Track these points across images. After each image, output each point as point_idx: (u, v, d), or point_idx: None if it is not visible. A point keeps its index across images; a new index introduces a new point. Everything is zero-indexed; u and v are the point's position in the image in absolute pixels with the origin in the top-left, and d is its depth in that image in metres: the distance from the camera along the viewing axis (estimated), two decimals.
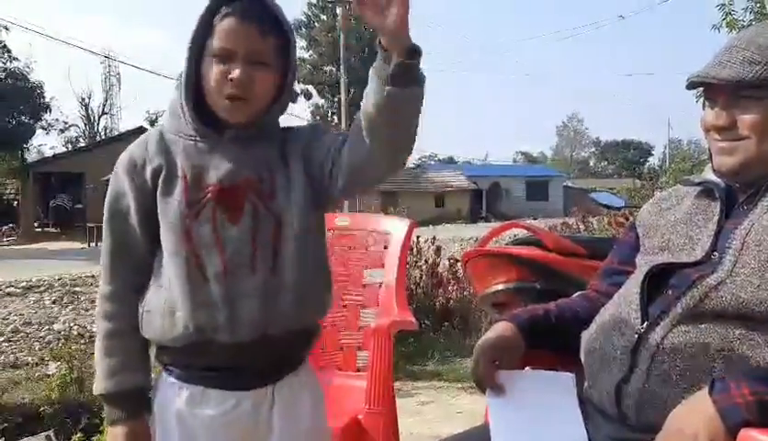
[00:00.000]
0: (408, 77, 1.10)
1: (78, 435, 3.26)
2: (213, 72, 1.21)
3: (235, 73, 1.20)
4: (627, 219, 6.10)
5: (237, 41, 1.20)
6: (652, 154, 64.21)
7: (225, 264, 1.20)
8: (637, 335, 1.17)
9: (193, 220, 1.21)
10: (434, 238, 6.01)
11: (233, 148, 1.25)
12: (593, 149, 72.46)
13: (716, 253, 1.18)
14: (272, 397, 1.26)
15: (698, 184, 1.31)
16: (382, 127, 1.14)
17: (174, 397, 1.25)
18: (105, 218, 1.28)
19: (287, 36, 1.25)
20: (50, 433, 3.28)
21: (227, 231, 1.21)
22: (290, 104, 1.35)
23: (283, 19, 1.25)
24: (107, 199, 1.28)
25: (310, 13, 37.07)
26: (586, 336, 1.31)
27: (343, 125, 25.14)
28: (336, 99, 31.84)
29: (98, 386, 1.26)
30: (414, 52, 1.10)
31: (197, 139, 1.25)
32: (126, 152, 1.30)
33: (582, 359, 1.30)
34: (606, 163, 69.39)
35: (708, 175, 1.30)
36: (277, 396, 1.27)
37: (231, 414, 1.23)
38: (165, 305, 1.22)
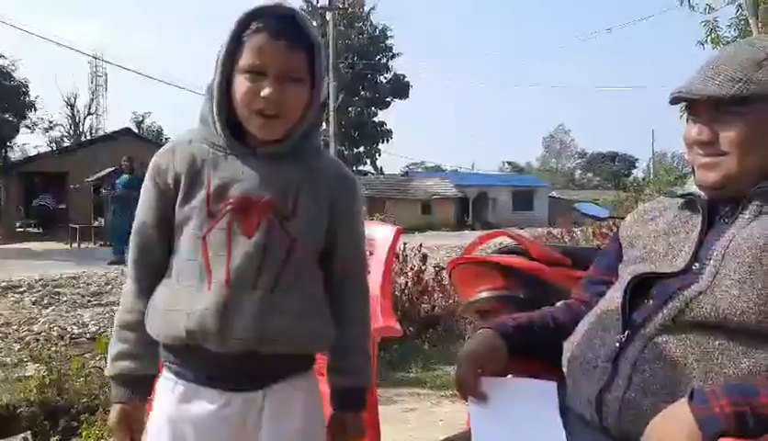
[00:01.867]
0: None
1: (56, 437, 3.23)
2: (244, 88, 1.20)
3: (267, 90, 1.19)
4: (611, 229, 6.15)
5: (269, 58, 1.19)
6: (636, 167, 64.91)
7: (229, 274, 1.20)
8: (618, 344, 1.18)
9: (210, 229, 1.22)
10: (420, 245, 6.03)
11: (263, 164, 1.25)
12: (579, 160, 73.05)
13: (696, 264, 1.19)
14: (262, 401, 1.26)
15: (681, 196, 1.33)
16: None
17: (168, 392, 1.27)
18: (134, 221, 1.32)
19: (315, 50, 1.24)
20: (28, 434, 3.25)
21: (239, 243, 1.21)
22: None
23: (311, 33, 1.24)
24: (138, 205, 1.33)
25: None
26: (568, 345, 1.32)
27: (331, 131, 25.15)
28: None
29: (107, 369, 1.32)
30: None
31: (228, 152, 1.26)
32: (153, 157, 1.31)
33: (564, 367, 1.31)
34: (592, 174, 69.98)
35: (691, 187, 1.32)
36: (268, 400, 1.26)
37: (221, 413, 1.24)
38: (166, 304, 1.25)
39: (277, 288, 1.22)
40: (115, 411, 1.28)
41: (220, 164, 1.25)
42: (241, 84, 1.21)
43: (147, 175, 1.31)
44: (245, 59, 1.21)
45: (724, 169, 1.21)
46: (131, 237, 1.32)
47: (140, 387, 1.28)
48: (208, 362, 1.23)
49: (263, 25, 1.20)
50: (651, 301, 1.19)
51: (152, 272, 1.30)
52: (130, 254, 1.32)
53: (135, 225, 1.31)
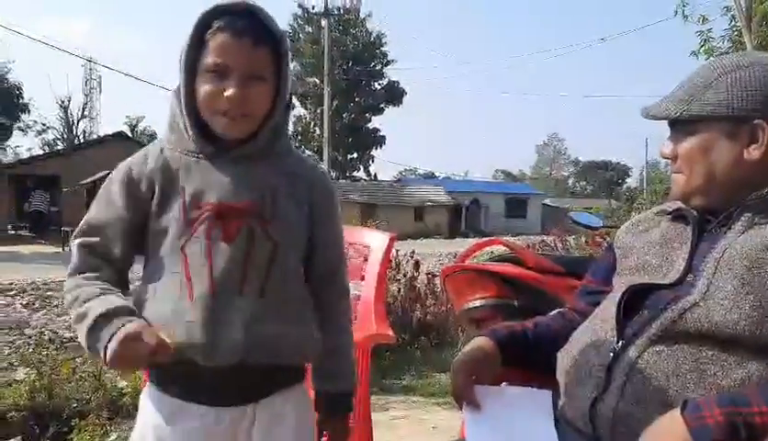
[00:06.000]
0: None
1: None
2: (207, 89, 1.18)
3: (231, 91, 1.17)
4: (604, 238, 6.16)
5: (231, 57, 1.17)
6: (630, 175, 65.19)
7: (213, 284, 1.17)
8: (612, 354, 1.18)
9: (188, 239, 1.18)
10: (413, 252, 6.02)
11: (237, 167, 1.22)
12: (573, 168, 73.31)
13: (690, 275, 1.20)
14: (253, 415, 1.23)
15: (672, 212, 1.35)
16: None
17: (155, 408, 1.23)
18: (85, 220, 1.24)
19: (279, 47, 1.21)
20: (18, 439, 3.23)
21: (219, 251, 1.17)
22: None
23: (276, 30, 1.21)
24: (94, 203, 1.26)
25: (294, 24, 37.18)
26: (563, 354, 1.32)
27: (325, 136, 25.13)
28: (319, 111, 31.87)
29: (81, 331, 1.13)
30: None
31: (200, 156, 1.23)
32: (124, 163, 1.27)
33: (558, 377, 1.32)
34: (585, 182, 70.23)
35: None
36: (259, 415, 1.23)
37: (211, 430, 1.20)
38: (152, 320, 1.17)
39: (265, 293, 1.20)
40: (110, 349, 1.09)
41: (192, 171, 1.22)
42: (204, 84, 1.19)
43: (114, 178, 1.25)
44: (209, 58, 1.18)
45: (679, 185, 1.28)
46: (81, 232, 1.23)
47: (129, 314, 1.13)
48: (197, 376, 1.18)
49: (225, 23, 1.17)
50: (645, 312, 1.20)
51: (106, 270, 1.21)
52: (79, 252, 1.22)
53: (88, 224, 1.23)
